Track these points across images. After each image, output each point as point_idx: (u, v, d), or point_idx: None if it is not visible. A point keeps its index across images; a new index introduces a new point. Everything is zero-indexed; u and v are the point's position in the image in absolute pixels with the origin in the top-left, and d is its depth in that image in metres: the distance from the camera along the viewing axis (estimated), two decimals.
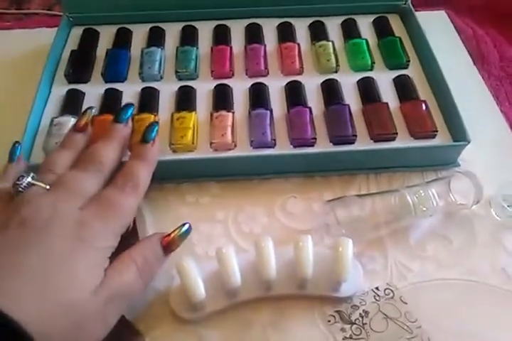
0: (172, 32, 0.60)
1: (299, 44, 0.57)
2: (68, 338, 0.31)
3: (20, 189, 0.35)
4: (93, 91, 0.53)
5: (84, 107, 0.51)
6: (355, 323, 0.39)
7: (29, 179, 0.36)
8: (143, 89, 0.53)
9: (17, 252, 0.31)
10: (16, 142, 0.43)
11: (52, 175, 0.38)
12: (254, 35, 0.59)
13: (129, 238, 0.42)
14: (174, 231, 0.38)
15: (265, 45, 0.57)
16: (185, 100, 0.52)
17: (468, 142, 0.46)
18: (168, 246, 0.38)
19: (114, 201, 0.36)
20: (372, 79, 0.53)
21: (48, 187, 0.36)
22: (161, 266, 0.38)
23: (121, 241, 0.36)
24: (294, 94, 0.52)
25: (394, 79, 0.54)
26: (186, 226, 0.39)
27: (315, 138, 0.48)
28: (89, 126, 0.43)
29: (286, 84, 0.53)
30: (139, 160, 0.40)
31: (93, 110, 0.44)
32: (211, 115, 0.50)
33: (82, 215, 0.34)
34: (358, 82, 0.54)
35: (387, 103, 0.51)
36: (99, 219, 0.35)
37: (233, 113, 0.50)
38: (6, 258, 0.31)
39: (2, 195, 0.37)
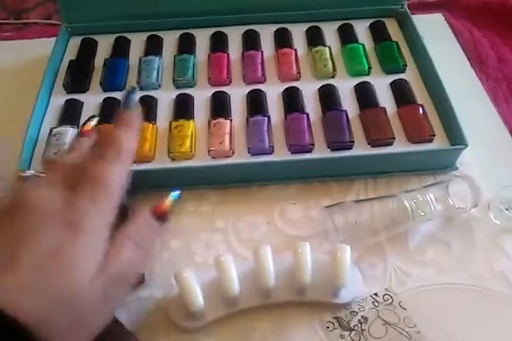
0: (170, 40, 0.60)
1: (295, 50, 0.58)
2: (71, 327, 0.30)
3: (22, 178, 0.36)
4: (92, 101, 0.53)
5: (82, 117, 0.52)
6: (354, 329, 0.39)
7: (34, 171, 0.37)
8: (141, 98, 0.53)
9: (13, 244, 0.30)
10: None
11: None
12: (251, 41, 0.59)
13: None
14: (164, 200, 0.37)
15: (262, 52, 0.58)
16: (183, 108, 0.52)
17: (466, 146, 0.46)
18: (162, 216, 0.37)
19: (98, 174, 0.34)
20: (370, 83, 0.54)
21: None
22: (158, 238, 0.37)
23: None
24: (292, 100, 0.52)
25: (391, 84, 0.54)
26: (175, 193, 0.38)
27: (313, 145, 0.48)
28: (93, 130, 0.42)
29: (284, 90, 0.54)
30: (119, 127, 0.38)
31: (95, 118, 0.43)
32: (209, 122, 0.50)
33: (68, 197, 0.33)
34: (355, 86, 0.54)
35: (384, 108, 0.51)
36: (87, 199, 0.33)
37: (231, 120, 0.50)
38: (2, 250, 0.30)
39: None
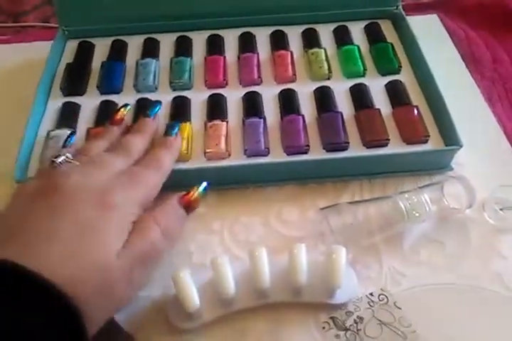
0: (166, 43, 0.60)
1: (291, 52, 0.58)
2: (98, 295, 0.32)
3: (55, 165, 0.38)
4: (89, 104, 0.54)
5: (80, 120, 0.52)
6: (349, 329, 0.39)
7: (64, 157, 0.39)
8: (138, 101, 0.53)
9: (50, 218, 0.34)
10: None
11: (85, 157, 0.40)
12: (247, 44, 0.60)
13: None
14: (193, 189, 0.40)
15: (258, 54, 0.58)
16: (179, 111, 0.52)
17: (461, 146, 0.47)
18: (189, 205, 0.39)
19: (137, 173, 0.39)
20: (365, 85, 0.54)
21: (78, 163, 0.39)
22: (183, 225, 0.40)
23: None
24: (287, 102, 0.53)
25: (386, 85, 0.54)
26: (204, 185, 0.41)
27: (308, 146, 0.49)
28: (124, 119, 0.47)
29: (280, 92, 0.54)
30: (163, 147, 0.43)
31: (128, 106, 0.48)
32: (205, 124, 0.51)
33: (106, 184, 0.37)
34: (350, 88, 0.54)
35: (379, 109, 0.51)
36: (122, 188, 0.37)
37: (227, 122, 0.51)
38: (40, 224, 0.33)
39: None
